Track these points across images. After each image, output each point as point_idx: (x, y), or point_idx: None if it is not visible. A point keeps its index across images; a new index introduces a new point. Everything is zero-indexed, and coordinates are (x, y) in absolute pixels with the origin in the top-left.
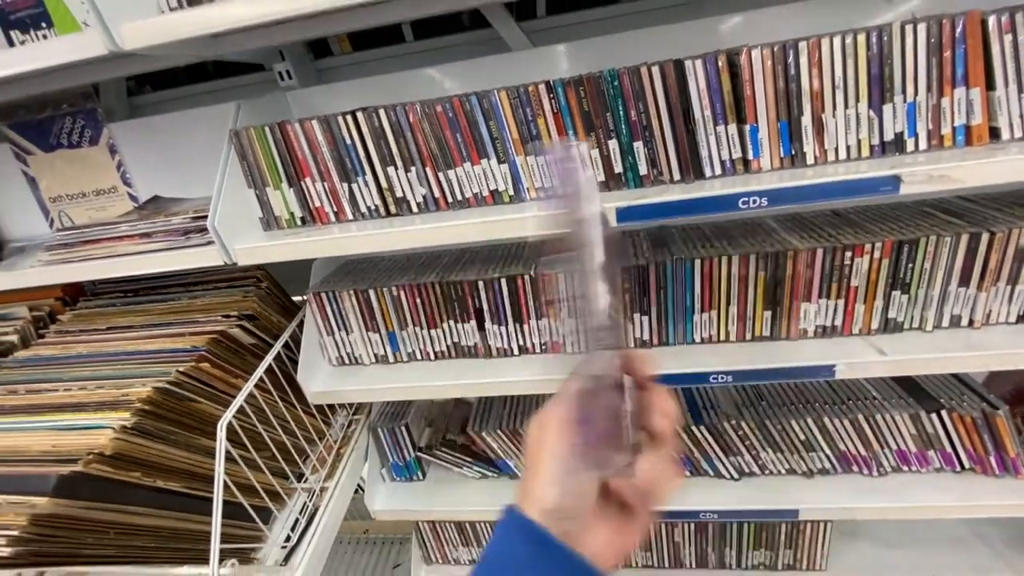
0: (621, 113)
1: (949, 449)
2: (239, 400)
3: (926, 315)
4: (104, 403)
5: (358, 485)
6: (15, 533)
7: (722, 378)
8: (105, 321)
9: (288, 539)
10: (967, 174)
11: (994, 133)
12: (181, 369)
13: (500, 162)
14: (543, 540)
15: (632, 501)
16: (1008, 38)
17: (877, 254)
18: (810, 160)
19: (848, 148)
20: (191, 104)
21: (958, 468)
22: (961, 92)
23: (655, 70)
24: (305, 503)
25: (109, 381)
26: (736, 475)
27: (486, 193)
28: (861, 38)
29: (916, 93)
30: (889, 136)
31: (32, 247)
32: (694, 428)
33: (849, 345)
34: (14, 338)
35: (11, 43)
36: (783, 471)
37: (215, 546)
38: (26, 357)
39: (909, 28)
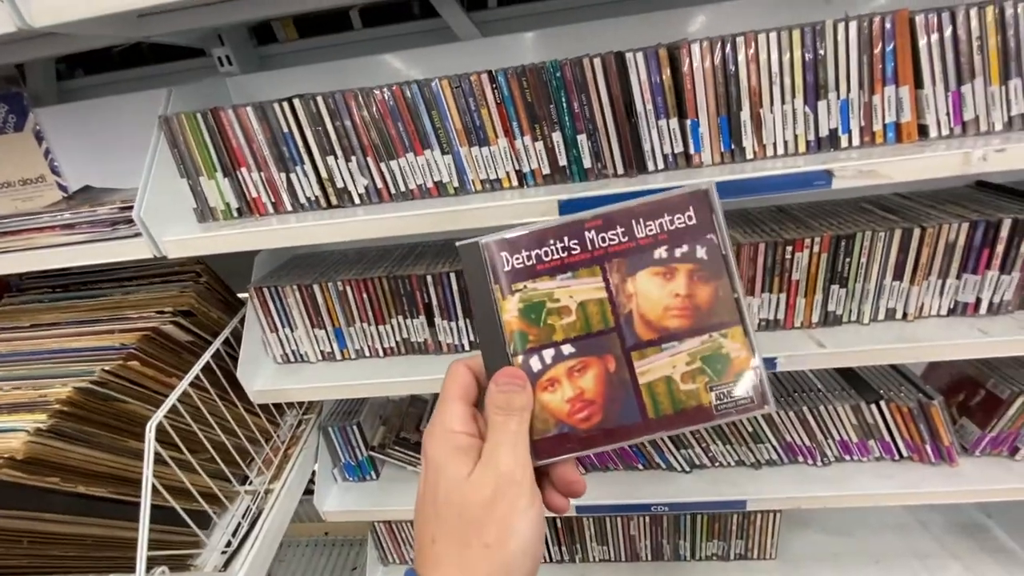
0: (564, 105)
1: (888, 439)
2: (170, 400)
3: (863, 308)
4: (19, 405)
5: (308, 486)
6: None
7: None
8: (30, 318)
9: (229, 544)
10: (894, 170)
11: (922, 130)
12: (107, 368)
13: (444, 153)
14: None
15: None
16: (935, 37)
17: (816, 248)
18: (749, 155)
19: (785, 144)
20: (125, 90)
21: (897, 457)
22: (891, 90)
23: (596, 62)
24: (249, 507)
25: (26, 382)
26: (687, 468)
27: (430, 184)
28: (796, 34)
29: (849, 90)
30: (824, 132)
31: None
32: None
33: (790, 339)
34: None
35: None
36: (732, 463)
37: (141, 553)
38: None
39: (841, 25)
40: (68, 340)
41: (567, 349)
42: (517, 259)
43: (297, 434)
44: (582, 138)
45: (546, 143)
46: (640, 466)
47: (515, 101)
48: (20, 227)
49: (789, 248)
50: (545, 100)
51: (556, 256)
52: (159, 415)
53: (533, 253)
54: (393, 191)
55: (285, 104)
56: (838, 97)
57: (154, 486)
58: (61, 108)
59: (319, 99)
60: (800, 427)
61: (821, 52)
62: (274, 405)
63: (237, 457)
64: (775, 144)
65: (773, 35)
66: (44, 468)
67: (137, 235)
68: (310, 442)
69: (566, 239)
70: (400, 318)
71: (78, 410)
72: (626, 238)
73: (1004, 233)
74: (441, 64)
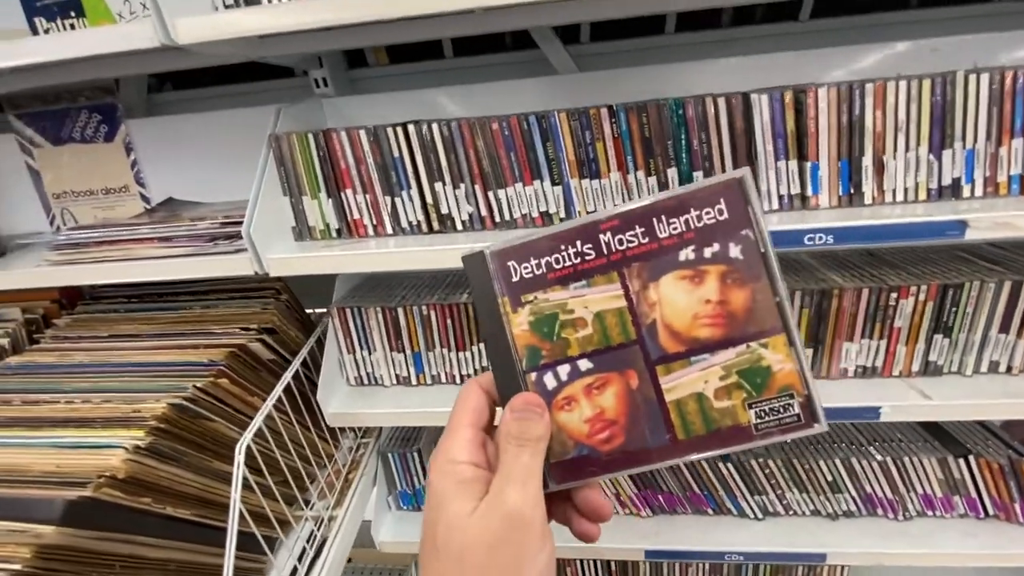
0: (683, 142)
1: (974, 495)
2: (257, 421)
3: (966, 360)
4: (112, 419)
5: None
6: (17, 567)
7: None
8: (107, 328)
9: (295, 571)
10: None
11: None
12: (198, 384)
13: (554, 184)
14: None
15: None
16: None
17: (923, 296)
18: (868, 200)
19: (906, 191)
20: (210, 106)
21: (982, 515)
22: (1019, 142)
23: (721, 102)
24: (313, 532)
25: (117, 395)
26: (760, 514)
27: (536, 214)
28: (926, 84)
29: (976, 140)
30: (947, 181)
31: (33, 244)
32: (720, 465)
33: (890, 387)
34: (4, 342)
35: (34, 31)
36: (807, 512)
37: None
38: (19, 364)
39: (972, 77)
40: (154, 353)
41: (584, 364)
42: (526, 268)
43: (356, 458)
44: (698, 175)
45: (659, 178)
46: (710, 510)
47: (632, 136)
48: (115, 237)
49: (894, 295)
50: (664, 136)
51: (568, 263)
52: (248, 436)
53: (543, 260)
54: (497, 219)
55: (399, 129)
56: (964, 147)
57: (243, 508)
58: (152, 120)
59: (434, 126)
60: (882, 478)
61: (950, 102)
62: (337, 428)
63: (306, 480)
64: (895, 190)
65: (903, 84)
66: (139, 488)
67: (239, 251)
68: (369, 468)
69: (579, 243)
70: (481, 345)
71: (171, 427)
72: (647, 239)
73: None
74: (530, 97)
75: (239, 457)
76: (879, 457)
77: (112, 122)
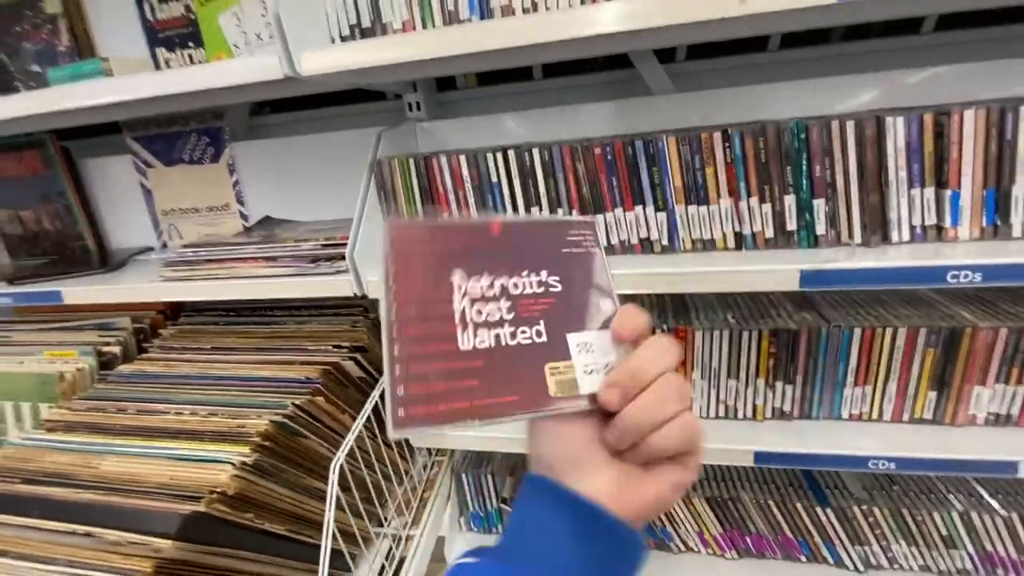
0: (804, 168)
1: None
2: (349, 440)
3: None
4: (220, 433)
5: None
6: None
7: (883, 464)
8: (208, 340)
9: None
10: None
11: None
12: (297, 402)
13: (658, 210)
14: (539, 483)
15: (615, 443)
16: None
17: None
18: (1017, 233)
19: None
20: (308, 129)
21: None
22: None
23: (850, 125)
24: (391, 549)
25: (222, 408)
26: (861, 567)
27: (635, 241)
28: None
29: None
30: None
31: (144, 260)
32: (818, 510)
33: None
34: (116, 350)
35: (155, 60)
36: (915, 567)
37: None
38: (131, 372)
39: None
40: (253, 368)
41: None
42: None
43: (431, 477)
44: (819, 203)
45: (774, 206)
46: (803, 557)
47: (747, 161)
48: (223, 256)
49: None
50: (782, 161)
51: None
52: (341, 455)
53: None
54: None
55: (498, 154)
56: None
57: (335, 527)
58: (254, 143)
59: (534, 151)
60: (1007, 536)
61: None
62: (409, 447)
63: (386, 497)
64: None
65: None
66: (243, 504)
67: (339, 272)
68: (443, 487)
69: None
70: None
71: (272, 444)
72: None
73: None
74: (626, 119)
75: (333, 476)
76: (1003, 512)
77: (218, 144)
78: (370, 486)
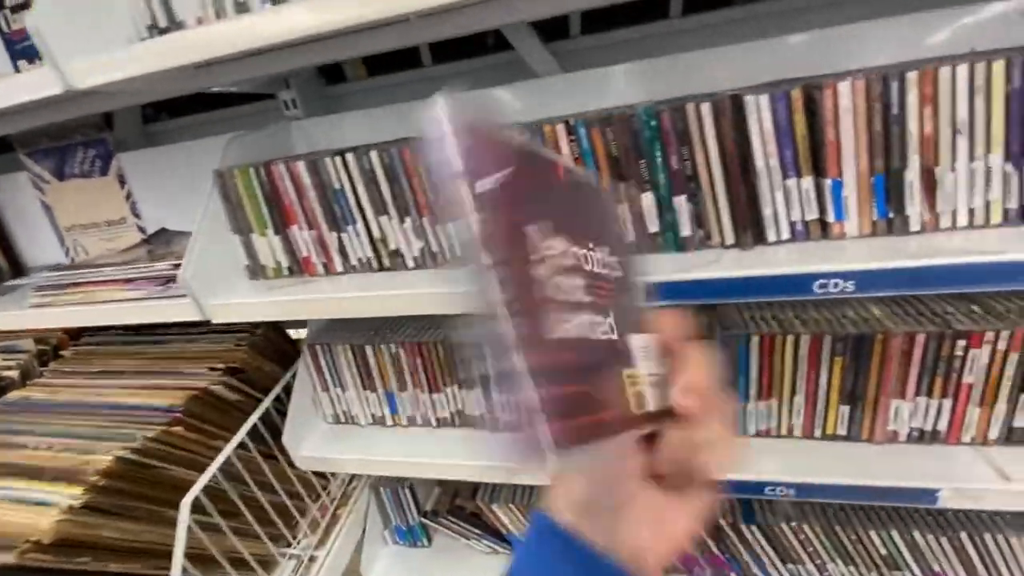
0: (659, 160)
1: None
2: (206, 476)
3: None
4: (62, 471)
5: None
6: None
7: (781, 491)
8: (102, 362)
9: None
10: None
11: None
12: (149, 435)
13: None
14: (566, 540)
15: (667, 473)
16: None
17: (1003, 345)
18: (915, 226)
19: (971, 212)
20: (206, 132)
21: None
22: None
23: (705, 108)
24: (296, 570)
25: (77, 441)
26: None
27: None
28: (998, 66)
29: None
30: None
31: (25, 281)
32: (744, 527)
33: (956, 459)
34: (15, 374)
35: (17, 71)
36: None
37: None
38: (16, 400)
39: None
40: (127, 393)
41: None
42: None
43: (348, 492)
44: (679, 200)
45: (632, 206)
46: (733, 575)
47: (596, 155)
48: (84, 279)
49: (961, 342)
50: (635, 154)
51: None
52: (193, 492)
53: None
54: (449, 256)
55: (337, 158)
56: None
57: (187, 564)
58: (141, 153)
59: (373, 153)
60: (954, 558)
61: None
62: None
63: (286, 518)
64: (955, 213)
65: (963, 68)
66: (73, 549)
67: (182, 296)
68: (360, 503)
69: None
70: (455, 388)
71: (116, 481)
72: None
73: None
74: (517, 104)
75: (183, 513)
76: (949, 532)
77: (106, 156)
78: (245, 511)
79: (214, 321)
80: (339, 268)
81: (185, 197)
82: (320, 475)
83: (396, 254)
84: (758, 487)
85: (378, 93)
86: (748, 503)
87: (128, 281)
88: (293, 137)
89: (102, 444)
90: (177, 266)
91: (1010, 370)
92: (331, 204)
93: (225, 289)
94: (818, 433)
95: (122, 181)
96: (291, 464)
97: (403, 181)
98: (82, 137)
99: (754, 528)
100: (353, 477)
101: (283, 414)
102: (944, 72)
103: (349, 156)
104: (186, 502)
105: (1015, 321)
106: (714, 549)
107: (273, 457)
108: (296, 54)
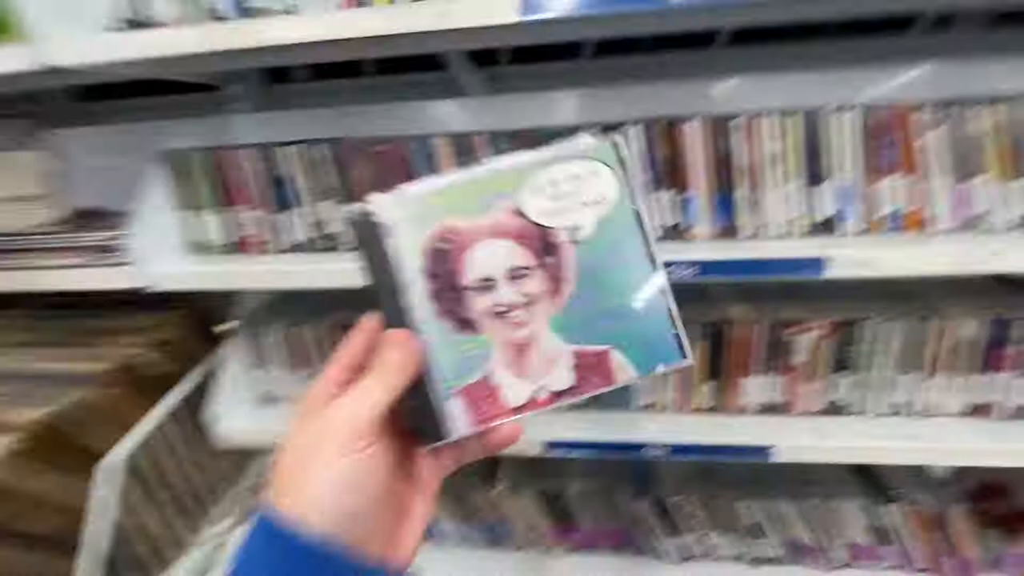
0: None
1: (903, 546)
2: (130, 442)
3: (870, 400)
4: None
5: None
6: None
7: (658, 450)
8: (24, 334)
9: None
10: (892, 263)
11: (925, 223)
12: (74, 399)
13: None
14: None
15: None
16: (943, 130)
17: (819, 332)
18: (748, 233)
19: (786, 224)
20: (142, 117)
21: (911, 569)
22: (894, 179)
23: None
24: (208, 554)
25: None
26: (679, 558)
27: None
28: (796, 120)
29: (852, 176)
30: (821, 217)
31: None
32: (637, 502)
33: (790, 427)
34: None
35: None
36: (730, 557)
37: None
38: None
39: (847, 113)
40: (50, 358)
41: None
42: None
43: (261, 482)
44: None
45: None
46: (630, 550)
47: None
48: (17, 246)
49: (789, 329)
50: None
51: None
52: (115, 455)
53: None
54: None
55: (289, 148)
56: (840, 182)
57: (107, 527)
58: (74, 131)
59: (323, 147)
60: (806, 523)
61: (822, 136)
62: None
63: (203, 499)
64: (770, 225)
65: (773, 118)
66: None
67: (124, 264)
68: None
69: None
70: None
71: (37, 443)
72: None
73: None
74: (438, 119)
75: (100, 477)
76: (802, 500)
77: (33, 130)
78: (167, 488)
79: (157, 289)
80: (279, 248)
81: (113, 179)
82: (241, 460)
83: (332, 237)
84: (635, 448)
85: (321, 96)
86: (643, 479)
87: (62, 250)
88: (236, 128)
89: (27, 403)
90: (114, 238)
91: (826, 353)
92: (277, 189)
93: (166, 261)
94: (690, 407)
95: (46, 157)
96: (213, 448)
97: (346, 173)
98: (6, 110)
99: (646, 501)
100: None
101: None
102: (762, 121)
103: (297, 148)
104: (106, 464)
105: (829, 313)
106: (612, 524)
107: (197, 438)
108: (258, 56)
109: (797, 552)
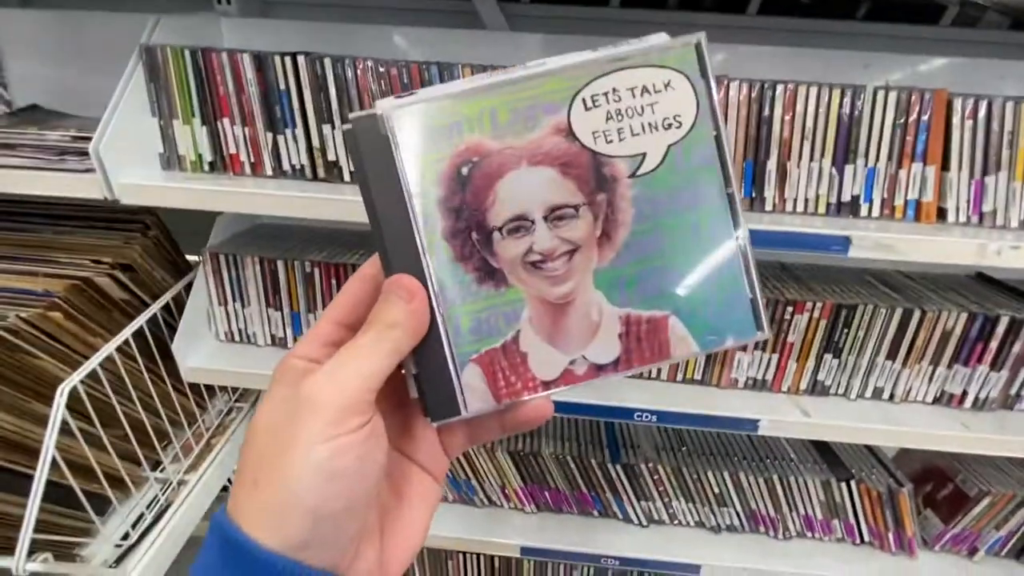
0: None
1: (852, 520)
2: (90, 364)
3: (852, 383)
4: None
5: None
6: None
7: (647, 416)
8: None
9: (126, 536)
10: (911, 248)
11: (941, 213)
12: (23, 315)
13: None
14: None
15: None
16: (969, 123)
17: (817, 314)
18: (768, 206)
19: (807, 201)
20: (104, 7)
21: (858, 540)
22: (918, 167)
23: None
24: (157, 496)
25: None
26: (645, 522)
27: None
28: (836, 93)
29: (877, 159)
30: (846, 197)
31: None
32: (610, 466)
33: (776, 402)
34: None
35: None
36: (692, 523)
37: (26, 534)
38: None
39: (881, 93)
40: None
41: None
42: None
43: (225, 423)
44: None
45: None
46: (595, 512)
47: None
48: None
49: (789, 308)
50: None
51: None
52: (75, 379)
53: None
54: None
55: (288, 59)
56: (866, 164)
57: (54, 459)
58: (24, 13)
59: (327, 61)
60: (767, 495)
61: (857, 117)
62: (205, 387)
63: (154, 439)
64: (796, 200)
65: (814, 91)
66: None
67: (89, 171)
68: (239, 434)
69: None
70: None
71: None
72: None
73: (1000, 330)
74: (458, 49)
75: (60, 399)
76: (765, 473)
77: None
78: (123, 421)
79: (123, 202)
80: (268, 171)
81: (69, 75)
82: (198, 402)
83: (333, 165)
84: (628, 412)
85: (313, 10)
86: (615, 445)
87: (9, 147)
88: (223, 30)
89: None
90: (76, 139)
91: (820, 334)
92: (271, 104)
93: (135, 173)
94: (680, 377)
95: None
96: (174, 382)
97: (353, 94)
98: None
99: (619, 467)
100: (232, 408)
101: (173, 329)
102: (802, 91)
103: (301, 59)
104: (64, 388)
105: (825, 296)
106: (582, 487)
107: (154, 373)
108: None
109: (755, 521)
